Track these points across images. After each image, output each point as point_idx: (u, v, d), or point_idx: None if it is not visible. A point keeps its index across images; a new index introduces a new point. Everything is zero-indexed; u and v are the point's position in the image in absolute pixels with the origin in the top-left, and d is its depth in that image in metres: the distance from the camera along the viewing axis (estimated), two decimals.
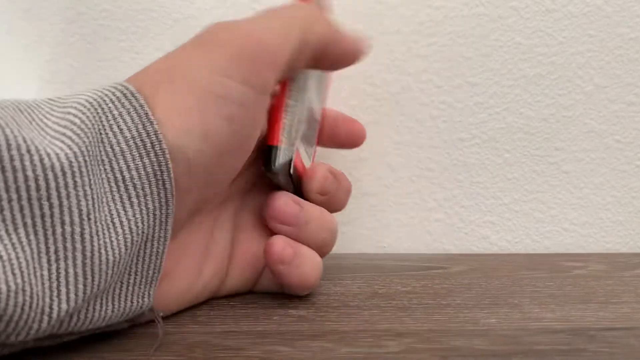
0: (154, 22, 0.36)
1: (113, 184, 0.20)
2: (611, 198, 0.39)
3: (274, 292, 0.28)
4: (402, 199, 0.38)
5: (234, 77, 0.22)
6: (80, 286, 0.19)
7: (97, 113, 0.20)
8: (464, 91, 0.37)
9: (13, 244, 0.18)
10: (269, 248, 0.26)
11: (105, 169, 0.20)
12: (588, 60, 0.37)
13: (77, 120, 0.20)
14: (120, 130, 0.21)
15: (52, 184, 0.18)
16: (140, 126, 0.21)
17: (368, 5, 0.36)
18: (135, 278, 0.21)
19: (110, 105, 0.21)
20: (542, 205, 0.39)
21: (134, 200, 0.21)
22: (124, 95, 0.21)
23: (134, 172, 0.21)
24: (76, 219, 0.19)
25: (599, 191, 0.39)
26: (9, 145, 0.18)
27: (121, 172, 0.21)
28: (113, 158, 0.21)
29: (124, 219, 0.20)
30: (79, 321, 0.20)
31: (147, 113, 0.21)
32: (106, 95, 0.21)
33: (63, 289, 0.19)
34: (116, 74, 0.36)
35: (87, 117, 0.20)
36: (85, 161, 0.19)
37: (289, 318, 0.25)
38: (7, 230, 0.18)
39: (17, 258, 0.18)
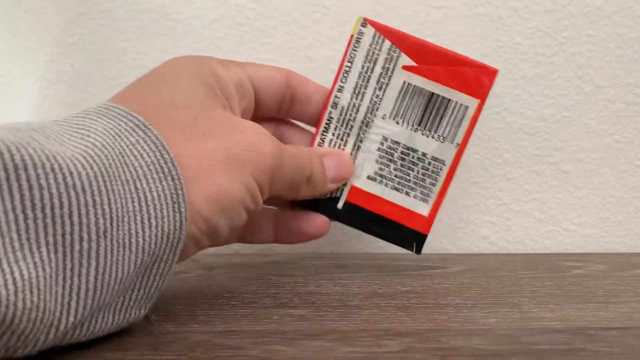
0: (154, 22, 0.36)
1: (137, 204, 0.21)
2: (611, 198, 0.39)
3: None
4: None
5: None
6: (89, 300, 0.20)
7: (116, 140, 0.21)
8: None
9: (35, 263, 0.18)
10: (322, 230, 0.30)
11: (130, 189, 0.21)
12: (588, 60, 0.37)
13: (97, 144, 0.20)
14: (141, 155, 0.22)
15: (74, 202, 0.19)
16: (157, 153, 0.22)
17: (368, 5, 0.36)
18: (137, 294, 0.22)
19: (127, 133, 0.22)
20: (542, 205, 0.39)
21: (152, 221, 0.21)
22: (137, 125, 0.22)
23: (154, 194, 0.21)
24: (93, 236, 0.19)
25: (599, 191, 0.39)
26: (34, 164, 0.18)
27: (144, 193, 0.21)
28: (137, 179, 0.21)
29: (140, 239, 0.21)
30: (80, 333, 0.20)
31: (162, 143, 0.22)
32: (119, 125, 0.22)
33: (73, 304, 0.19)
34: (116, 74, 0.36)
35: (107, 142, 0.21)
36: (105, 181, 0.20)
37: (289, 318, 0.25)
38: (30, 249, 0.18)
39: (37, 277, 0.18)
